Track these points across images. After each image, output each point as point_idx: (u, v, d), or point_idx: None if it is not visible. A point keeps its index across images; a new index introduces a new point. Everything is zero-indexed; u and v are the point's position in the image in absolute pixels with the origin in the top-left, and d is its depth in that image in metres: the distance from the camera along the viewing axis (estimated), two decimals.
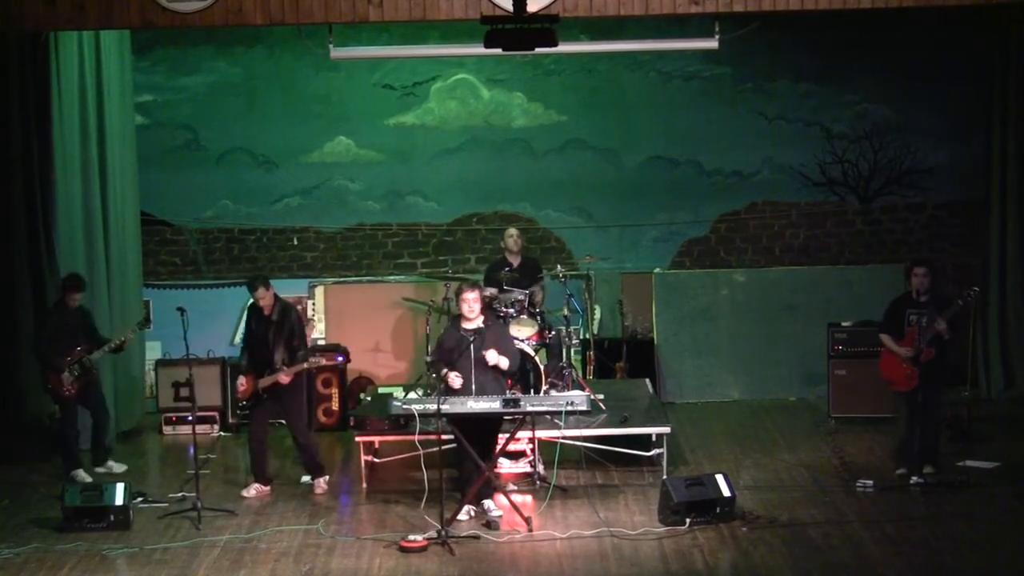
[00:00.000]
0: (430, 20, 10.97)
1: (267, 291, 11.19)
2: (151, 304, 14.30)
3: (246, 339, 11.44)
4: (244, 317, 11.54)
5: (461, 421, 10.18)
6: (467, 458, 10.29)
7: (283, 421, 11.74)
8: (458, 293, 10.51)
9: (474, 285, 10.60)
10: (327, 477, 11.35)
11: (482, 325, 10.39)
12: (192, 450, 12.68)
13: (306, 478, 11.39)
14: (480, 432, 10.28)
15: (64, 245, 12.55)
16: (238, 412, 13.27)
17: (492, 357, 10.30)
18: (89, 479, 11.38)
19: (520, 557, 9.51)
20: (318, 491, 11.17)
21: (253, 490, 11.14)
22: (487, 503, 10.36)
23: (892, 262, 14.32)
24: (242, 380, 11.22)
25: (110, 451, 12.13)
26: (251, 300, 11.30)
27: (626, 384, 13.39)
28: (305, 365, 11.14)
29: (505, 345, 10.49)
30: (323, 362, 11.94)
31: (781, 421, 13.31)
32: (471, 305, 10.35)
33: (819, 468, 11.47)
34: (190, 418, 13.19)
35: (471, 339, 10.29)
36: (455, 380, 10.30)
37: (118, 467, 12.00)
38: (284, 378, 11.03)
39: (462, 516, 10.27)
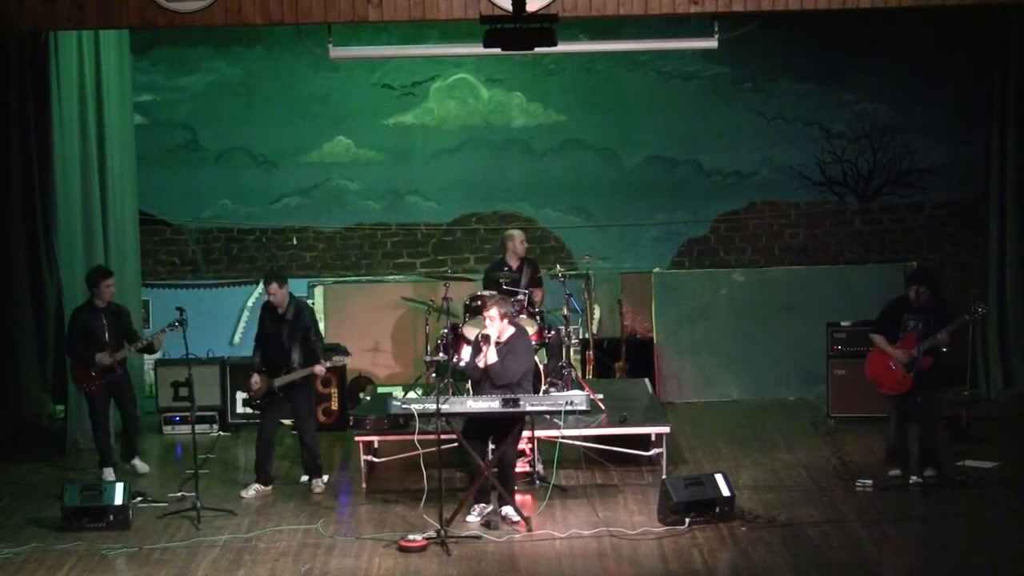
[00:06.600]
0: (429, 20, 10.96)
1: (279, 288, 11.18)
2: (150, 304, 14.32)
3: (259, 337, 11.42)
4: (258, 316, 11.48)
5: (479, 421, 10.19)
6: (471, 457, 10.28)
7: (285, 420, 11.73)
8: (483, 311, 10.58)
9: (495, 301, 10.53)
10: (326, 478, 11.38)
11: (505, 339, 10.37)
12: (179, 450, 12.69)
13: (304, 477, 11.40)
14: (502, 432, 10.26)
15: (63, 245, 12.55)
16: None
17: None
18: (112, 479, 11.18)
19: (519, 557, 9.50)
20: (317, 490, 11.19)
21: (253, 490, 11.13)
22: (506, 509, 10.26)
23: (891, 262, 14.34)
24: (256, 379, 11.22)
25: (137, 452, 11.93)
26: (263, 298, 11.37)
27: (625, 384, 13.39)
28: (346, 360, 11.49)
29: (509, 358, 10.39)
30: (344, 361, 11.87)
31: (780, 421, 13.30)
32: (494, 321, 10.34)
33: (818, 468, 11.47)
34: (177, 419, 13.30)
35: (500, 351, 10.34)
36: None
37: (142, 467, 11.86)
38: (320, 369, 11.14)
39: (472, 517, 10.27)
